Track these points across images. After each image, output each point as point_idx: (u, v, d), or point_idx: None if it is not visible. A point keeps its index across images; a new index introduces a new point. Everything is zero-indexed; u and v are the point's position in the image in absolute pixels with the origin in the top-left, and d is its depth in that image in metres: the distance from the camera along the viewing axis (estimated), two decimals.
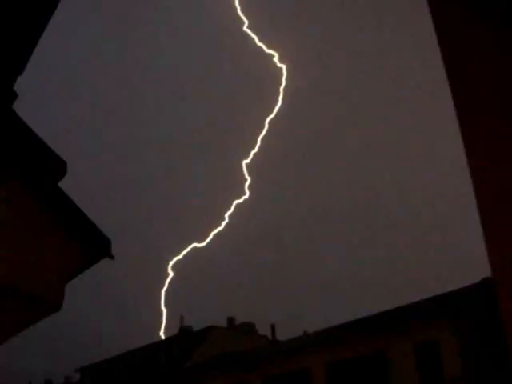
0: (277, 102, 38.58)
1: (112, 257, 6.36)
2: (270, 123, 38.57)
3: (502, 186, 1.84)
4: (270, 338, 45.29)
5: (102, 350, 60.26)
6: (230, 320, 47.78)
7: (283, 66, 37.60)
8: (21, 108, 5.69)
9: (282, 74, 37.54)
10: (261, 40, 35.76)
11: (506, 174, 1.82)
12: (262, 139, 37.89)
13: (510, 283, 1.85)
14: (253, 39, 35.24)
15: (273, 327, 45.30)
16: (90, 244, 6.29)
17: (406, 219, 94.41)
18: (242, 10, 33.45)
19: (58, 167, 5.88)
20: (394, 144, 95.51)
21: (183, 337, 45.38)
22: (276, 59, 36.66)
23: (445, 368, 24.15)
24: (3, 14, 3.59)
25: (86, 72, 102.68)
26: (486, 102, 1.91)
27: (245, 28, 35.04)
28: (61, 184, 6.19)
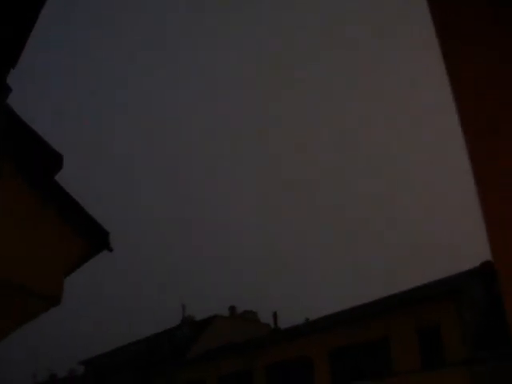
0: None
1: (111, 249, 6.35)
2: None
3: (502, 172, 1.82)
4: (272, 325, 45.39)
5: (106, 342, 60.41)
6: (232, 309, 47.89)
7: None
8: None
9: None
10: None
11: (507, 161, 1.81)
12: None
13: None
14: None
15: (275, 315, 45.35)
16: (88, 237, 6.27)
17: (406, 205, 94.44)
18: None
19: (54, 160, 5.86)
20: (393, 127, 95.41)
21: (186, 326, 45.51)
22: None
23: (447, 351, 24.25)
24: None
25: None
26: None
27: None
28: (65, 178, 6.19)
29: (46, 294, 5.73)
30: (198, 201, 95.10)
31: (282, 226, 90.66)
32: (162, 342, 45.69)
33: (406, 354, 25.69)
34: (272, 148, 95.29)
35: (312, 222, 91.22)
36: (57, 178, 6.12)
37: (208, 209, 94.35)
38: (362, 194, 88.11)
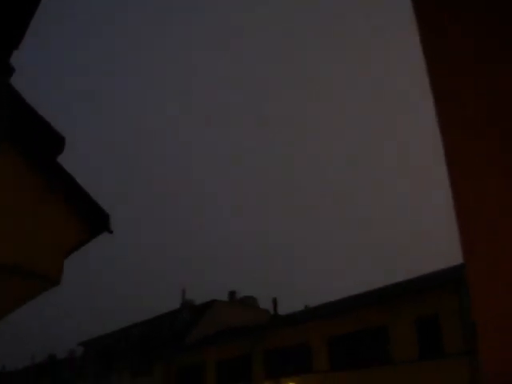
0: None
1: (111, 231, 6.37)
2: None
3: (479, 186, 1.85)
4: (271, 311, 45.51)
5: (106, 325, 60.71)
6: (232, 294, 48.01)
7: None
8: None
9: None
10: None
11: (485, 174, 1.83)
12: None
13: (484, 283, 1.87)
14: None
15: (274, 301, 45.47)
16: (88, 219, 6.29)
17: (406, 198, 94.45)
18: None
19: (57, 142, 5.87)
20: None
21: (185, 310, 45.64)
22: None
23: (445, 341, 24.30)
24: None
25: None
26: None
27: None
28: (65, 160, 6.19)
29: (45, 275, 5.75)
30: (197, 189, 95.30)
31: (281, 215, 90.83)
32: (161, 325, 45.84)
33: (404, 342, 25.75)
34: (272, 141, 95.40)
35: (312, 210, 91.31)
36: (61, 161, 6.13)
37: (208, 197, 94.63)
38: (362, 181, 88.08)
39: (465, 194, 1.88)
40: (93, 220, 6.32)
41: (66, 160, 6.08)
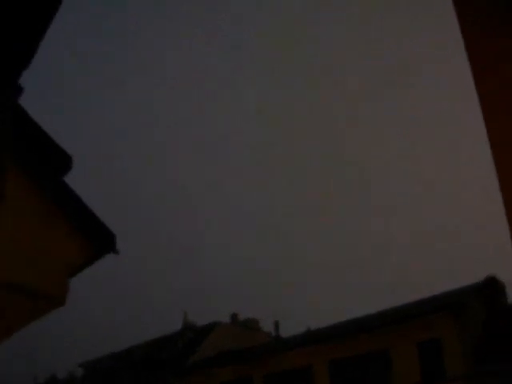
0: None
1: (117, 252, 6.35)
2: None
3: None
4: (273, 334, 45.28)
5: (106, 346, 60.35)
6: (234, 316, 47.77)
7: None
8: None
9: None
10: None
11: None
12: None
13: None
14: None
15: (276, 324, 45.30)
16: (94, 239, 6.27)
17: (408, 219, 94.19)
18: None
19: (64, 161, 5.87)
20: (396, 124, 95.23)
21: (187, 332, 45.39)
22: None
23: (447, 366, 24.14)
24: (7, 3, 3.54)
25: None
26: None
27: None
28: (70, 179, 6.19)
29: (50, 295, 5.73)
30: (198, 216, 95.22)
31: (282, 237, 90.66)
32: (162, 347, 45.55)
33: (406, 368, 25.58)
34: (274, 153, 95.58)
35: (312, 234, 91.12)
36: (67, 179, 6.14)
37: (208, 223, 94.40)
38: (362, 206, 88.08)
39: None
40: (99, 240, 6.30)
41: (73, 177, 6.08)
